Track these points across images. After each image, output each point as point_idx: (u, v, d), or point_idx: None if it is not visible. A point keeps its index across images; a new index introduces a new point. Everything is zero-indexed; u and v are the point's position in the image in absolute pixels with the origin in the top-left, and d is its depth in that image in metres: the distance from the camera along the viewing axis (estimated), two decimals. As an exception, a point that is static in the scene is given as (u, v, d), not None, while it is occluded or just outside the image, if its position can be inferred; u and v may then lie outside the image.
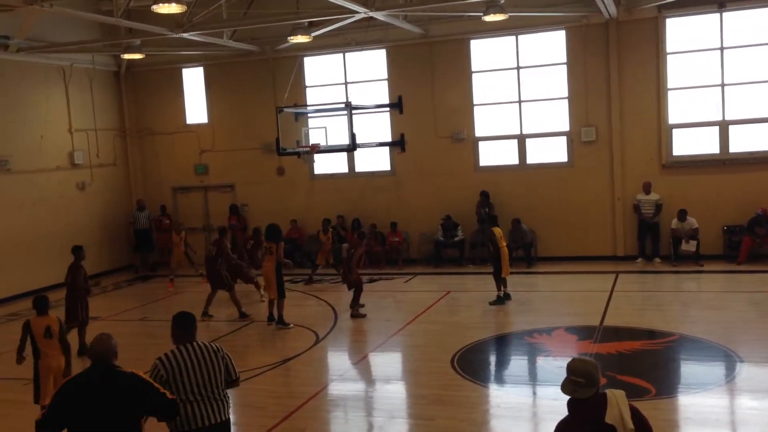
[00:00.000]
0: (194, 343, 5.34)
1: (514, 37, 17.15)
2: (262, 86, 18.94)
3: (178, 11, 12.48)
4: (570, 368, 4.15)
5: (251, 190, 19.46)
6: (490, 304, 13.05)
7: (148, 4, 12.37)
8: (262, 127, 18.55)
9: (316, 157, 17.46)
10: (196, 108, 19.92)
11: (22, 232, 16.53)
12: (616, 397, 4.07)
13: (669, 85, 16.35)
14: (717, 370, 9.42)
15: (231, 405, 5.53)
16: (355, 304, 13.00)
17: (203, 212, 20.15)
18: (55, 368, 8.01)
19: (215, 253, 13.56)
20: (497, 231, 13.30)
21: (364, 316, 12.90)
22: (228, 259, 13.73)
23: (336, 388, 9.48)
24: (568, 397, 4.17)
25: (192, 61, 19.46)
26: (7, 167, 16.28)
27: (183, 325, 5.39)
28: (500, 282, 13.23)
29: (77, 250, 11.28)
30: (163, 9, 11.96)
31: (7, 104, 16.51)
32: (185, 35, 15.36)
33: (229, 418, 5.42)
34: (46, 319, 8.08)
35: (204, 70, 19.67)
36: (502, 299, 13.18)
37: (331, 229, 16.88)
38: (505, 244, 13.34)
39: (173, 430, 5.24)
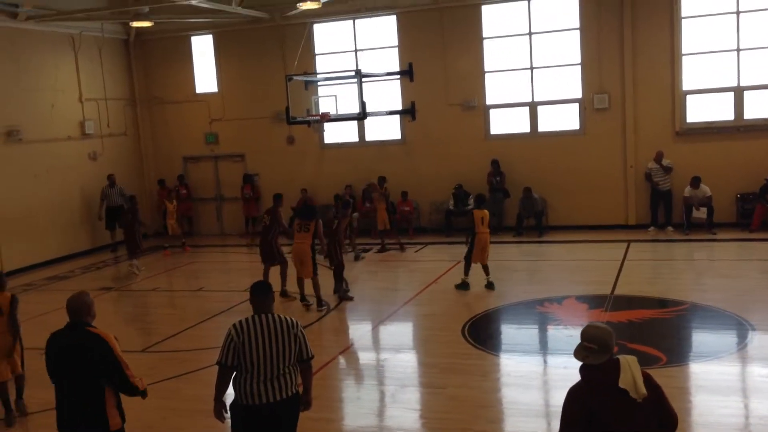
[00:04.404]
0: (270, 315, 5.18)
1: (526, 2, 16.90)
2: (271, 54, 18.80)
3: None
4: (583, 334, 4.14)
5: (261, 159, 19.42)
6: (456, 287, 12.13)
7: (155, -29, 12.26)
8: (272, 95, 18.42)
9: (326, 126, 17.35)
10: (205, 77, 19.82)
11: (35, 203, 16.57)
12: (629, 363, 4.07)
13: (683, 51, 16.12)
14: (728, 338, 9.42)
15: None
16: (340, 286, 12.03)
17: (214, 182, 20.17)
18: (1, 346, 7.74)
19: (269, 222, 12.31)
20: (477, 214, 12.06)
21: (352, 299, 12.09)
22: (283, 230, 12.44)
23: (347, 357, 9.55)
24: (579, 364, 4.15)
25: (201, 29, 19.32)
26: (19, 137, 16.27)
27: (257, 295, 5.27)
28: (469, 266, 12.09)
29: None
30: (171, -24, 11.89)
31: (18, 73, 16.46)
32: (194, 2, 15.21)
33: (296, 393, 5.23)
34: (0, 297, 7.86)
35: (213, 37, 19.54)
36: (467, 285, 12.08)
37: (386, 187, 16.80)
38: (486, 229, 12.19)
39: (237, 401, 5.18)
